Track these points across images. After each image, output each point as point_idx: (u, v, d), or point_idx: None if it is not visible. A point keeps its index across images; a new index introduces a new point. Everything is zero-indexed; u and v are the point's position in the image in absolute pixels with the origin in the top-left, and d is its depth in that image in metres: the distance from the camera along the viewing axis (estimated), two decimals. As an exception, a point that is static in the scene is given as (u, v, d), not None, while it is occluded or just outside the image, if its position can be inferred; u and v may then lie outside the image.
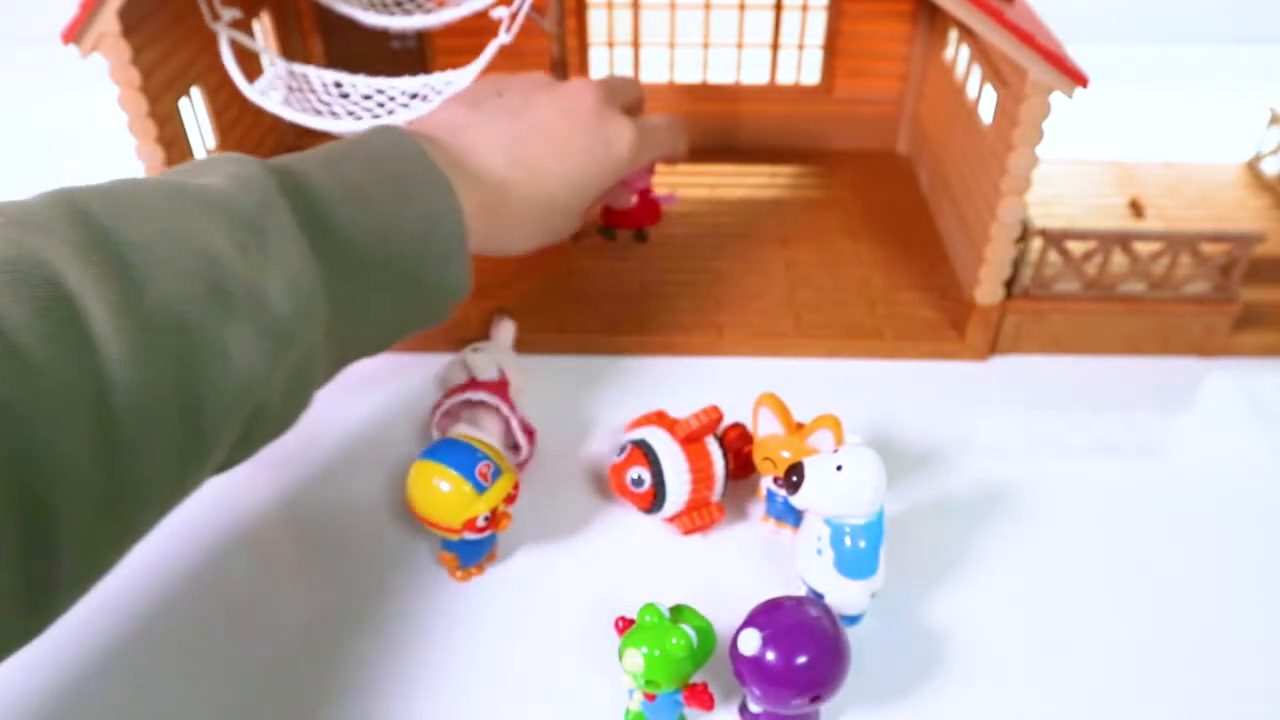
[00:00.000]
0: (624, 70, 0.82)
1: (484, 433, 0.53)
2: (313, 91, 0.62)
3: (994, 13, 0.52)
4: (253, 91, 0.59)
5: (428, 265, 0.49)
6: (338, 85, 0.62)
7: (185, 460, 0.39)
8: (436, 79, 0.62)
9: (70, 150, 0.89)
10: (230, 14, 0.60)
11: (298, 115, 0.59)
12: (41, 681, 0.46)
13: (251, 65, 0.64)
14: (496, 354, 0.58)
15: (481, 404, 0.55)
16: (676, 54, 0.81)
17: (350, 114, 0.61)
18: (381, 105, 0.62)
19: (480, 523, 0.47)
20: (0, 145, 0.92)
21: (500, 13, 0.58)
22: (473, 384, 0.55)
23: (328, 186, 0.46)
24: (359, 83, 0.62)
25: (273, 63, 0.63)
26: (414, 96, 0.62)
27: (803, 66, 0.81)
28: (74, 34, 0.53)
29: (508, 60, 0.59)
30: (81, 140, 0.90)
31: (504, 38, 0.59)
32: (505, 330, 0.62)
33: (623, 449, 0.52)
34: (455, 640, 0.48)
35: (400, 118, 0.60)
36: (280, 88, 0.61)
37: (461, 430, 0.53)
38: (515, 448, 0.55)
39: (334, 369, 0.48)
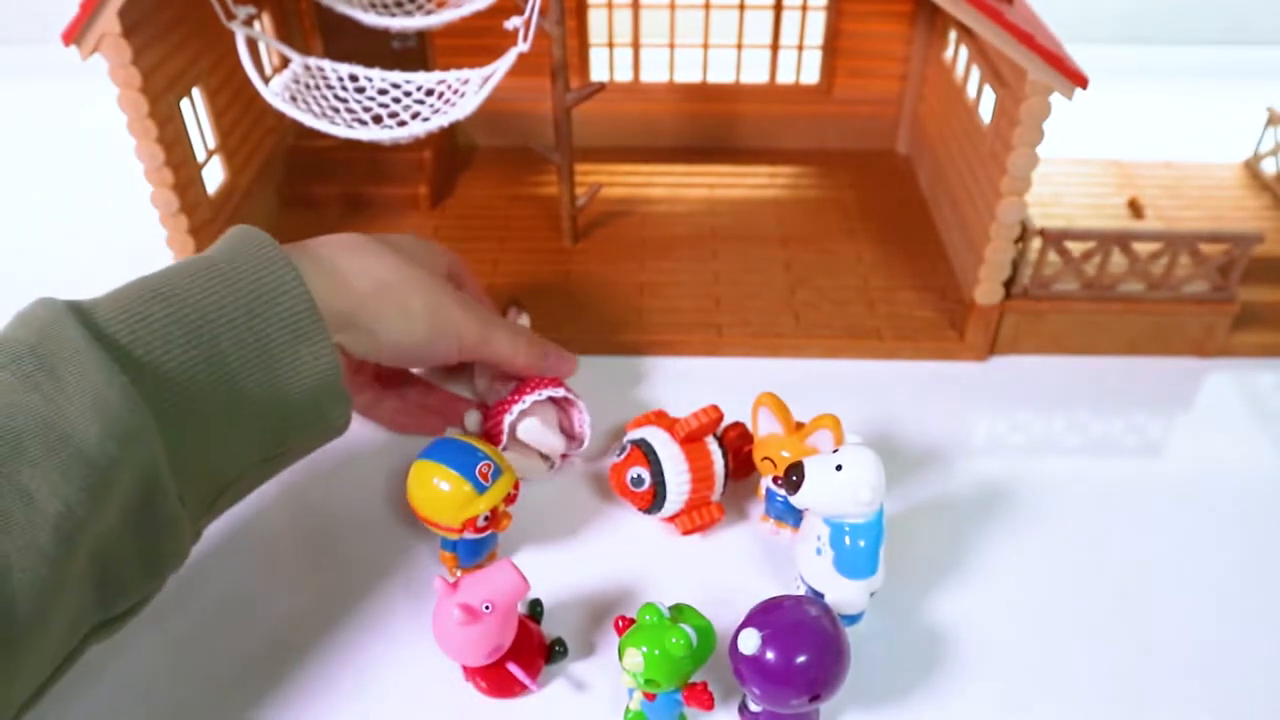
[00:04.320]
0: (624, 70, 0.82)
1: (551, 428, 0.54)
2: (328, 88, 0.62)
3: (993, 13, 0.52)
4: (269, 92, 0.59)
5: (273, 350, 0.43)
6: (353, 79, 0.62)
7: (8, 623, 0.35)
8: (451, 76, 0.62)
9: (70, 150, 0.89)
10: (245, 11, 0.60)
11: (306, 115, 0.59)
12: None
13: (258, 65, 0.64)
14: None
15: (564, 399, 0.55)
16: (676, 54, 0.81)
17: (363, 112, 0.61)
18: (397, 101, 0.62)
19: (480, 522, 0.47)
20: (3, 145, 0.92)
21: (514, 22, 0.58)
22: (536, 381, 0.55)
23: (126, 293, 0.42)
24: (374, 77, 0.62)
25: (287, 60, 0.63)
26: (429, 93, 0.62)
27: (802, 67, 0.81)
28: (74, 35, 0.53)
29: (508, 60, 0.60)
30: (82, 141, 0.90)
31: (522, 46, 0.59)
32: (522, 322, 0.62)
33: (623, 449, 0.52)
34: (455, 640, 0.48)
35: (415, 114, 0.61)
36: (290, 87, 0.61)
37: (532, 425, 0.53)
38: (575, 439, 0.56)
39: (205, 502, 0.44)
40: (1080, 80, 0.53)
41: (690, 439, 0.51)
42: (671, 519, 0.52)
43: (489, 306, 0.59)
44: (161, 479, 0.40)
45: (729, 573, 0.51)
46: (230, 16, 0.59)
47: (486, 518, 0.47)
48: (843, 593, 0.46)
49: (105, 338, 0.39)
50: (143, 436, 0.38)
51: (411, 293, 0.49)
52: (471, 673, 0.45)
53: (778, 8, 0.78)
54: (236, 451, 0.44)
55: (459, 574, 0.49)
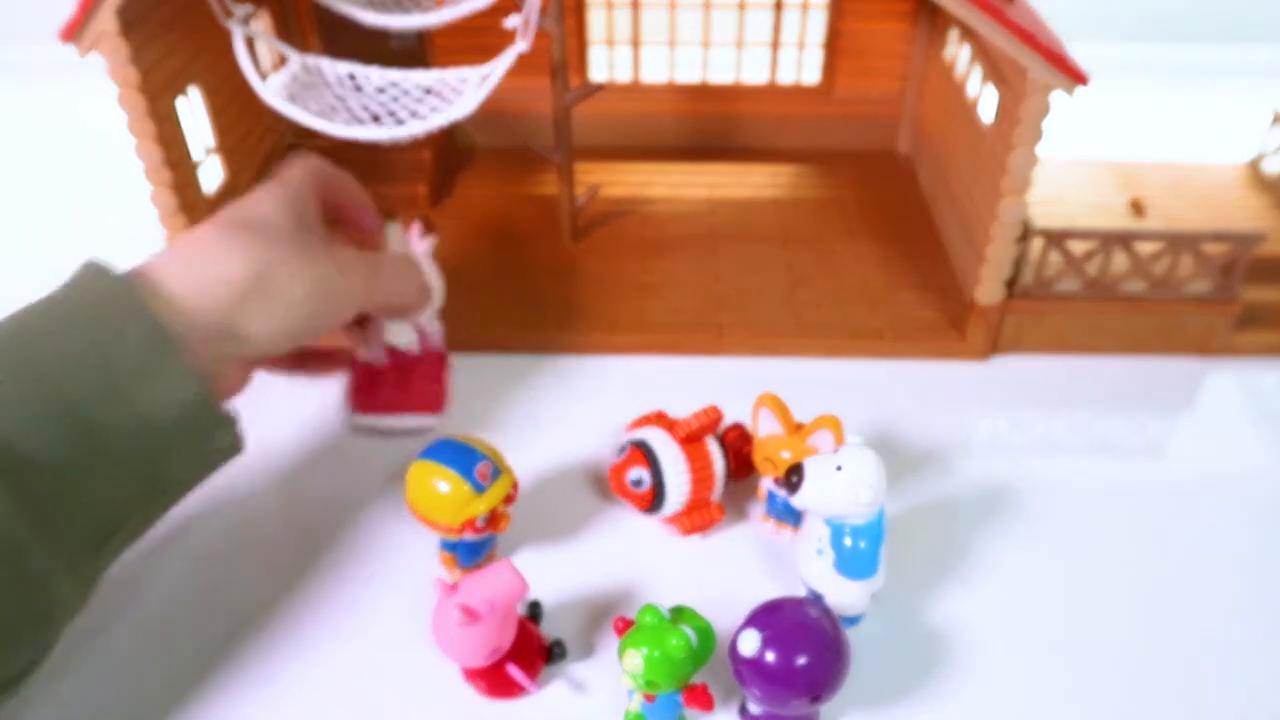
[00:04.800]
0: (623, 69, 0.82)
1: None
2: (326, 86, 0.62)
3: (994, 11, 0.52)
4: (267, 91, 0.59)
5: (127, 384, 0.41)
6: (351, 77, 0.62)
7: None
8: (450, 74, 0.62)
9: (69, 149, 0.89)
10: (243, 9, 0.60)
11: (304, 114, 0.59)
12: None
13: (256, 64, 0.63)
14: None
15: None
16: (676, 54, 0.81)
17: (362, 111, 0.61)
18: (396, 100, 0.62)
19: (479, 523, 0.47)
20: (2, 144, 0.92)
21: (513, 21, 0.58)
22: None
23: None
24: (373, 75, 0.62)
25: (285, 59, 0.62)
26: (428, 92, 0.62)
27: (803, 66, 0.81)
28: (72, 33, 0.53)
29: (507, 59, 0.59)
30: (81, 140, 0.90)
31: (521, 45, 0.58)
32: (395, 237, 0.57)
33: (623, 449, 0.52)
34: (454, 641, 0.48)
35: (413, 113, 0.60)
36: (288, 86, 0.61)
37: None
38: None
39: (91, 548, 0.41)
40: (1081, 78, 0.52)
41: (690, 439, 0.50)
42: (671, 520, 0.52)
43: (369, 218, 0.56)
44: (18, 538, 0.37)
45: (729, 574, 0.51)
46: (228, 15, 0.59)
47: (486, 518, 0.47)
48: (843, 594, 0.45)
49: None
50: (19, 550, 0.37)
51: (286, 280, 0.45)
52: (471, 674, 0.45)
53: (778, 7, 0.78)
54: (112, 494, 0.41)
55: (458, 575, 0.49)
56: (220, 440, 0.45)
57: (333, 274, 0.47)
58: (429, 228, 0.56)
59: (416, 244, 0.55)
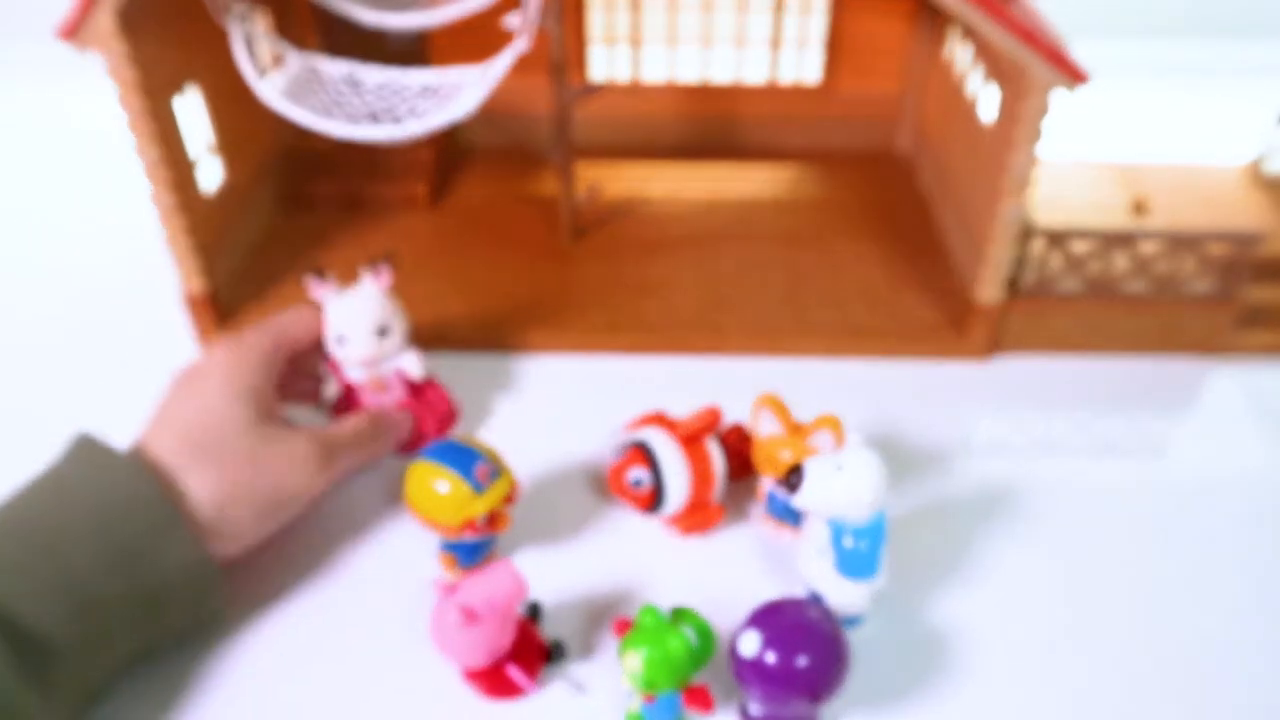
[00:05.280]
0: (623, 69, 0.81)
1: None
2: (324, 86, 0.62)
3: (995, 10, 0.52)
4: (265, 90, 0.59)
5: (132, 557, 0.43)
6: (350, 77, 0.62)
7: None
8: (450, 73, 0.62)
9: (68, 148, 0.89)
10: (242, 8, 0.60)
11: (303, 114, 0.59)
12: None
13: (255, 63, 0.63)
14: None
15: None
16: (676, 53, 0.81)
17: (359, 110, 0.60)
18: (394, 98, 0.61)
19: (479, 523, 0.47)
20: (1, 143, 0.92)
21: (513, 20, 0.58)
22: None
23: None
24: (372, 74, 0.62)
25: (282, 58, 0.62)
26: (428, 91, 0.62)
27: (803, 66, 0.81)
28: (71, 31, 0.53)
29: (507, 59, 0.59)
30: (80, 139, 0.90)
31: (521, 44, 0.58)
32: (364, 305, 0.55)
33: (622, 449, 0.51)
34: (454, 641, 0.47)
35: (412, 111, 0.60)
36: (288, 85, 0.61)
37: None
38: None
39: (81, 701, 0.43)
40: (1081, 77, 0.52)
41: (690, 440, 0.50)
42: (672, 520, 0.52)
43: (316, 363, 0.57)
44: (15, 701, 0.39)
45: (729, 574, 0.51)
46: (227, 13, 0.59)
47: (485, 519, 0.47)
48: (844, 594, 0.45)
49: None
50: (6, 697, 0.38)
51: (245, 505, 0.47)
52: (470, 674, 0.45)
53: (778, 7, 0.78)
54: (109, 657, 0.43)
55: (458, 575, 0.49)
56: (214, 600, 0.47)
57: (287, 478, 0.49)
58: (385, 262, 0.55)
59: (375, 285, 0.55)
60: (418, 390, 0.57)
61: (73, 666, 0.41)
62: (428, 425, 0.57)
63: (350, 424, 0.53)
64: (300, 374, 0.57)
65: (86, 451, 0.46)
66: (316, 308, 0.54)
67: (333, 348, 0.54)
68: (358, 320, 0.54)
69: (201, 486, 0.46)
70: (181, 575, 0.44)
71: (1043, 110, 0.54)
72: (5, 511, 0.43)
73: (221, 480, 0.47)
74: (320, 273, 0.54)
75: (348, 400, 0.56)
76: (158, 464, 0.46)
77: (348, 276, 0.56)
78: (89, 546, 0.42)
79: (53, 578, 0.41)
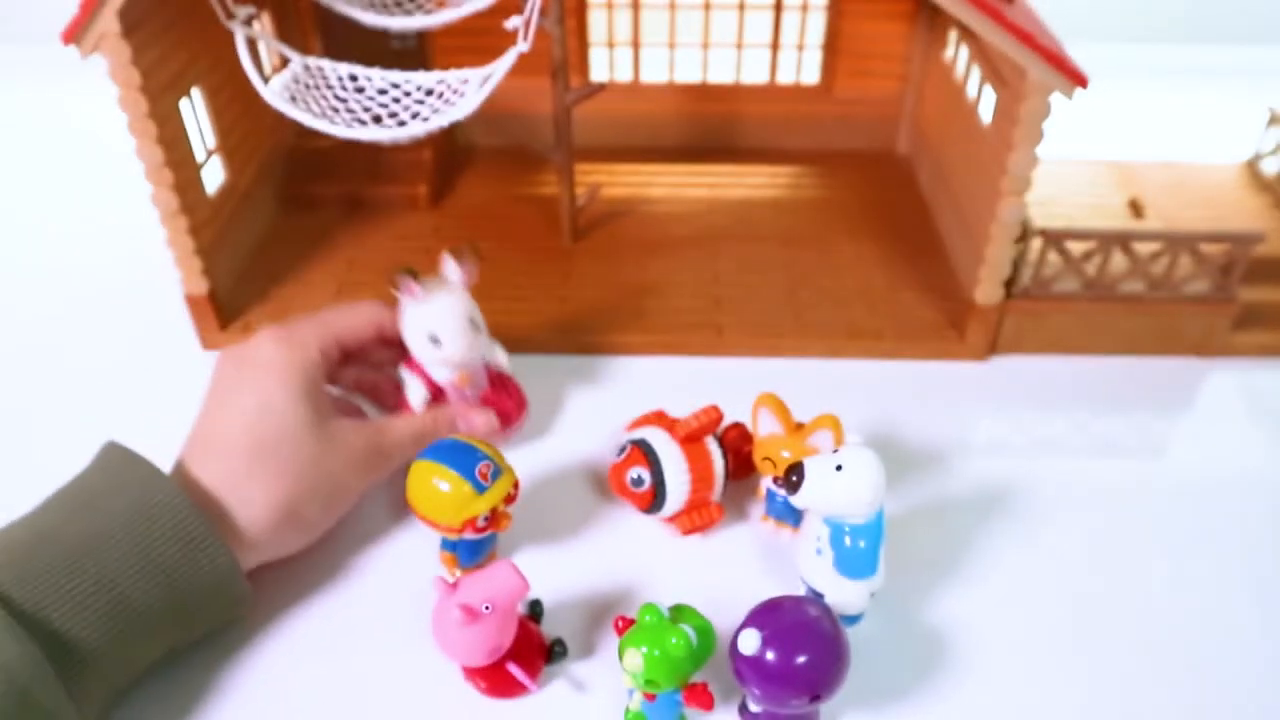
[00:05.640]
0: (624, 70, 0.82)
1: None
2: (328, 88, 0.62)
3: (994, 13, 0.52)
4: (268, 92, 0.59)
5: (165, 565, 0.43)
6: (353, 79, 0.62)
7: None
8: (451, 75, 0.62)
9: (69, 150, 0.89)
10: (245, 11, 0.60)
11: (306, 115, 0.59)
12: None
13: (258, 65, 0.64)
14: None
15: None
16: (676, 54, 0.81)
17: (363, 113, 0.61)
18: (397, 100, 0.62)
19: (480, 522, 0.47)
20: (3, 145, 0.92)
21: (514, 22, 0.58)
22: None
23: (11, 538, 0.43)
24: (374, 76, 0.62)
25: (287, 60, 0.62)
26: (429, 92, 0.62)
27: (802, 67, 0.81)
28: (74, 34, 0.53)
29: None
30: (81, 140, 0.90)
31: (522, 46, 0.58)
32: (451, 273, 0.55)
33: (623, 449, 0.52)
34: (455, 640, 0.48)
35: (415, 114, 0.60)
36: (290, 87, 0.61)
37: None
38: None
39: (108, 702, 0.43)
40: (1080, 80, 0.53)
41: (690, 439, 0.51)
42: (671, 519, 0.52)
43: (379, 350, 0.56)
44: (49, 702, 0.39)
45: (729, 573, 0.51)
46: (230, 16, 0.59)
47: (486, 518, 0.47)
48: (843, 593, 0.46)
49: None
50: (37, 695, 0.38)
51: (304, 509, 0.48)
52: (471, 673, 0.45)
53: (777, 8, 0.78)
54: (136, 661, 0.44)
55: (459, 574, 0.49)
56: (242, 607, 0.47)
57: (346, 477, 0.50)
58: (469, 255, 0.55)
59: (454, 276, 0.54)
60: (497, 381, 0.57)
61: (103, 670, 0.42)
62: (513, 411, 0.57)
63: (412, 424, 0.53)
64: (357, 366, 0.56)
65: (118, 460, 0.45)
66: (371, 303, 0.53)
67: (423, 350, 0.53)
68: (451, 318, 0.52)
69: (265, 491, 0.46)
70: (213, 585, 0.45)
71: (1042, 113, 0.54)
72: (39, 518, 0.44)
73: (285, 485, 0.47)
74: (413, 273, 0.51)
75: (436, 403, 0.55)
76: (214, 465, 0.46)
77: (348, 276, 0.56)
78: (123, 555, 0.42)
79: (88, 584, 0.41)
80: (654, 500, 0.51)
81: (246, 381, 0.49)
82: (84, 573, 0.41)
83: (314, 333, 0.52)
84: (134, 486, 0.44)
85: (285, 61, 0.63)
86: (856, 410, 0.59)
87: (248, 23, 0.60)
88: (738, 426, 0.55)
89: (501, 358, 0.57)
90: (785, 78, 0.82)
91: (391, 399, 0.57)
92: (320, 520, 0.50)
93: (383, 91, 0.62)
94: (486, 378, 0.56)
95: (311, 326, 0.52)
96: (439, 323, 0.52)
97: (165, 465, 0.46)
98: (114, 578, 0.42)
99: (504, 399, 0.57)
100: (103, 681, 0.42)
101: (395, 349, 0.55)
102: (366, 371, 0.57)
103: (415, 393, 0.54)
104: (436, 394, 0.55)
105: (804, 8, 0.78)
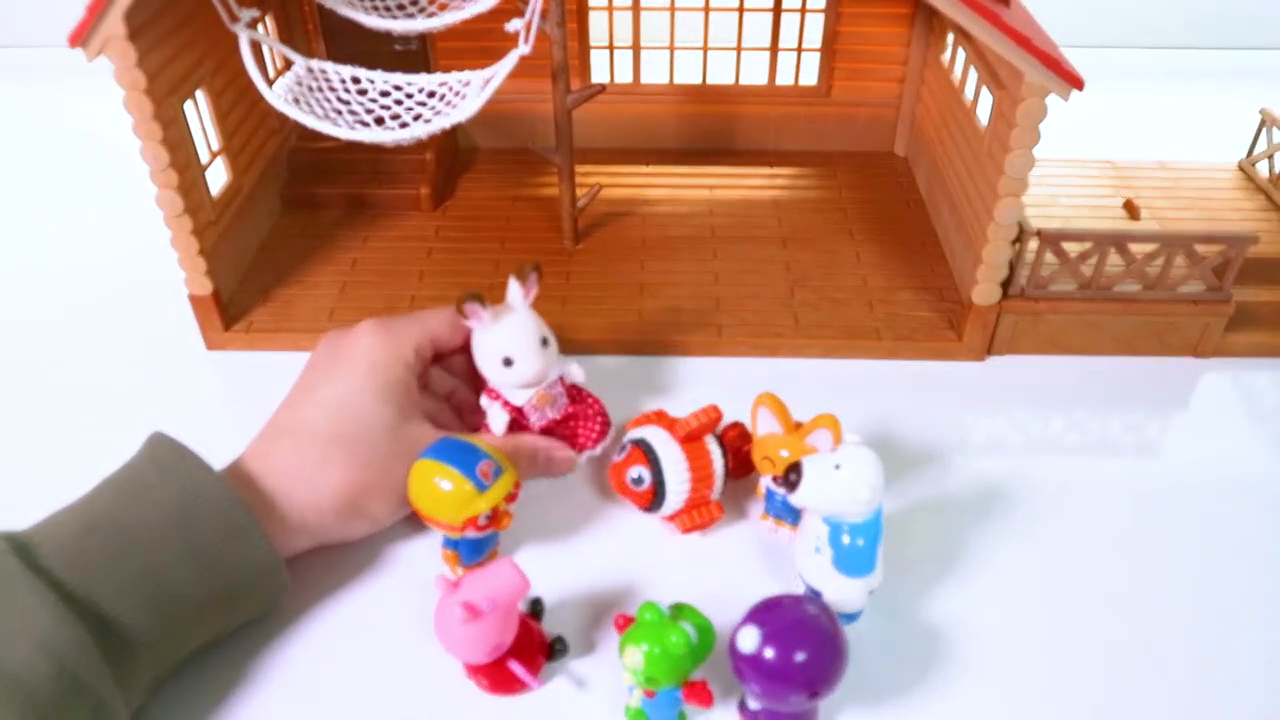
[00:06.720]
0: (624, 72, 0.82)
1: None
2: (331, 90, 0.62)
3: (991, 16, 0.53)
4: (272, 94, 0.59)
5: (210, 556, 0.44)
6: (356, 81, 0.62)
7: None
8: (453, 78, 0.62)
9: (74, 152, 0.90)
10: (249, 14, 0.60)
11: (309, 117, 0.59)
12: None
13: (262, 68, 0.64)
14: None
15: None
16: (676, 56, 0.82)
17: (366, 115, 0.61)
18: (399, 103, 0.62)
19: (482, 521, 0.47)
20: (7, 147, 0.92)
21: (515, 25, 0.59)
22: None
23: (61, 524, 0.43)
24: (377, 79, 0.62)
25: (290, 62, 0.63)
26: (431, 94, 0.62)
27: (801, 69, 0.82)
28: (80, 37, 0.54)
29: (509, 63, 0.60)
30: (86, 143, 0.90)
31: (523, 48, 0.59)
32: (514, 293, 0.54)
33: (623, 448, 0.52)
34: (458, 637, 0.48)
35: (417, 116, 0.61)
36: (293, 89, 0.62)
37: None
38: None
39: (148, 692, 0.44)
40: (1076, 82, 0.53)
41: (690, 438, 0.51)
42: (671, 518, 0.52)
43: (459, 366, 0.57)
44: (100, 691, 0.40)
45: (728, 571, 0.52)
46: (234, 19, 0.60)
47: (488, 516, 0.47)
48: (841, 591, 0.46)
49: (43, 571, 0.41)
50: (93, 671, 0.39)
51: (372, 505, 0.49)
52: (473, 670, 0.46)
53: (777, 10, 0.79)
54: (178, 649, 0.44)
55: (460, 572, 0.50)
56: (281, 598, 0.48)
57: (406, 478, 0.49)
58: (530, 272, 0.54)
59: (518, 296, 0.53)
60: (576, 395, 0.56)
61: (149, 657, 0.42)
62: (594, 427, 0.56)
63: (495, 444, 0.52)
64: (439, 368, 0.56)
65: (165, 452, 0.46)
66: (455, 313, 0.52)
67: (496, 374, 0.52)
68: (522, 338, 0.52)
69: (334, 481, 0.48)
70: (255, 576, 0.46)
71: (1039, 115, 0.55)
72: (88, 506, 0.44)
73: (355, 478, 0.48)
74: (479, 298, 0.51)
75: (516, 427, 0.54)
76: (289, 448, 0.48)
77: (351, 277, 0.56)
78: (170, 545, 0.43)
79: (135, 572, 0.42)
80: (654, 499, 0.51)
81: (338, 373, 0.50)
82: (132, 560, 0.42)
83: (412, 331, 0.52)
84: (181, 478, 0.45)
85: (289, 64, 0.63)
86: (855, 410, 0.60)
87: (252, 26, 0.61)
88: (737, 426, 0.55)
89: (577, 372, 0.55)
90: (784, 79, 0.82)
91: (471, 416, 0.57)
92: (384, 517, 0.51)
93: (385, 94, 0.62)
94: (565, 395, 0.55)
95: (410, 324, 0.53)
96: (510, 344, 0.52)
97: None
98: (160, 567, 0.43)
99: (588, 413, 0.56)
100: (146, 669, 0.42)
101: (470, 358, 0.55)
102: (461, 388, 0.57)
103: (497, 419, 0.54)
104: (517, 416, 0.54)
105: (803, 10, 0.78)
